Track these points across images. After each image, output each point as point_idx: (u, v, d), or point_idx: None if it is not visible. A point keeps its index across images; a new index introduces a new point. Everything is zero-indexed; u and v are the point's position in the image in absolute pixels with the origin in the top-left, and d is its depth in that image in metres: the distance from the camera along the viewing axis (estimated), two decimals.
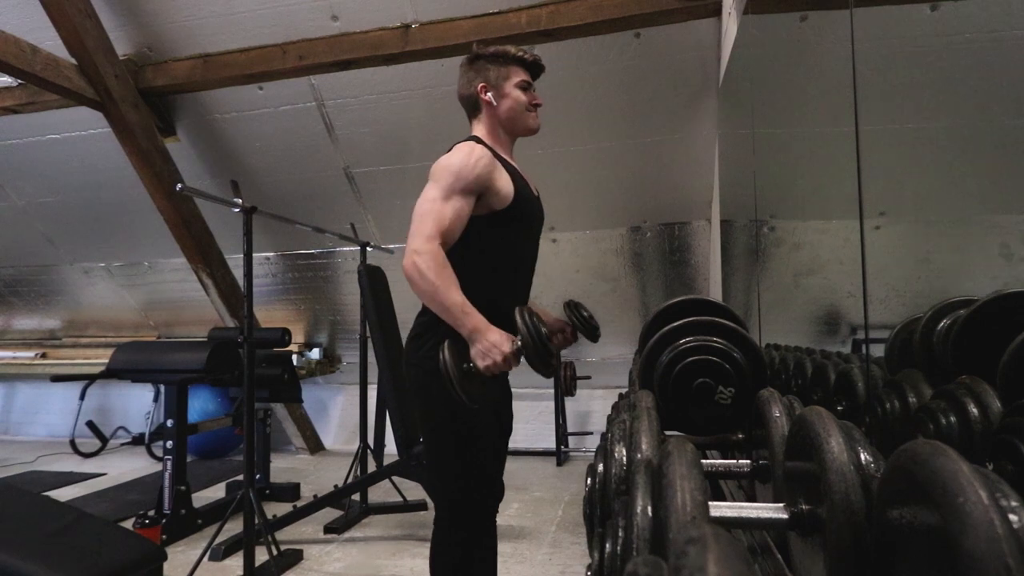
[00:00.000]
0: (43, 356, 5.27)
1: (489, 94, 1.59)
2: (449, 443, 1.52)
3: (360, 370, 3.48)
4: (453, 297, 1.35)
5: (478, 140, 1.56)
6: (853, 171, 1.23)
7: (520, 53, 1.61)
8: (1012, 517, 0.49)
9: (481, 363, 1.32)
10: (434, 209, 1.42)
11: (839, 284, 1.68)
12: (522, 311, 1.36)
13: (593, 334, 1.58)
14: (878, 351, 1.39)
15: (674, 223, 3.86)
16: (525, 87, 1.61)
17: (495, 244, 1.52)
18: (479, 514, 1.56)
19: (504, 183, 1.51)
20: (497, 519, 1.65)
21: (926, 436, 1.02)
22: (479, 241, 1.49)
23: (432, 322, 1.51)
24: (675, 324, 1.48)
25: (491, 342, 1.32)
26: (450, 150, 1.52)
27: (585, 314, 1.58)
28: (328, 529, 3.01)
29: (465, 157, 1.46)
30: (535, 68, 1.64)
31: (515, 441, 4.51)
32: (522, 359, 1.34)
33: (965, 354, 1.07)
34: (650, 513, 0.78)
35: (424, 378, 1.51)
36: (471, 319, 1.34)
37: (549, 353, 1.32)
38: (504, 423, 1.66)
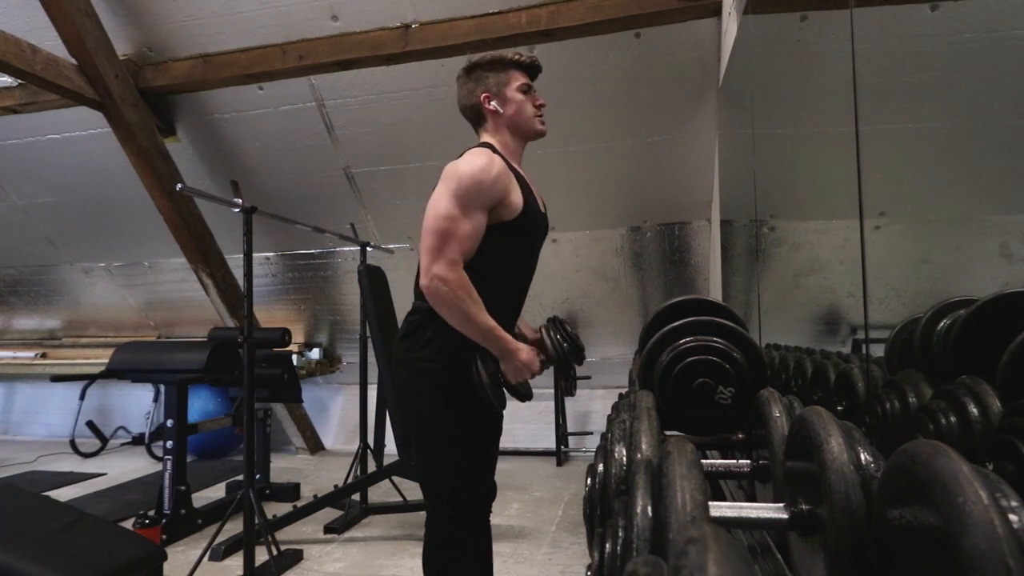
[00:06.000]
0: (43, 356, 5.27)
1: (493, 103, 1.57)
2: (441, 444, 1.51)
3: (360, 370, 3.48)
4: (486, 321, 1.42)
5: (492, 149, 1.53)
6: (853, 171, 1.23)
7: (516, 56, 1.60)
8: (1012, 517, 0.49)
9: (514, 379, 1.47)
10: (454, 229, 1.41)
11: (839, 284, 1.68)
12: (548, 329, 1.54)
13: (579, 355, 1.60)
14: (878, 351, 1.39)
15: (674, 223, 3.86)
16: (526, 90, 1.60)
17: (496, 255, 1.50)
18: (471, 515, 1.56)
19: (516, 196, 1.50)
20: (497, 519, 1.66)
21: (926, 436, 1.02)
22: (481, 251, 1.48)
23: (422, 322, 1.51)
24: (675, 324, 1.48)
25: (523, 362, 1.46)
26: (461, 155, 1.50)
27: (571, 332, 1.60)
28: (328, 529, 3.01)
29: (484, 168, 1.44)
30: (532, 69, 1.63)
31: (515, 441, 4.56)
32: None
33: (965, 354, 1.07)
34: (650, 513, 0.78)
35: (414, 379, 1.51)
36: (504, 342, 1.45)
37: (572, 367, 1.53)
38: (495, 423, 1.66)
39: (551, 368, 1.60)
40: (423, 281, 1.41)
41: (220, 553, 2.68)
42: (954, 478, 0.52)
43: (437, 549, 1.53)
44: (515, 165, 1.58)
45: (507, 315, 1.60)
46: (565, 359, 1.53)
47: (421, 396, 1.50)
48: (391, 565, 2.62)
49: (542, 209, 1.64)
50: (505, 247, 1.52)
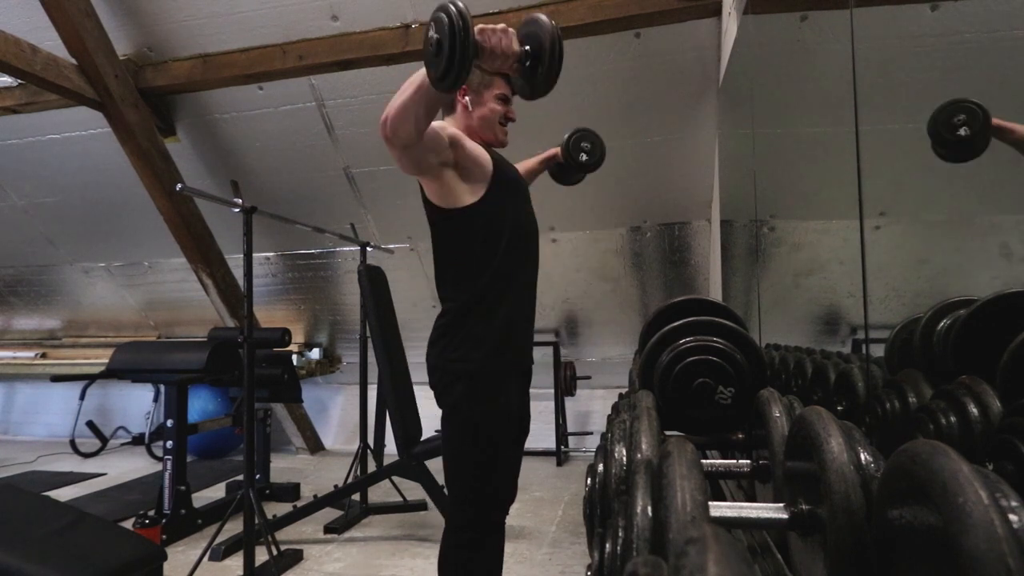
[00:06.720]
0: (43, 356, 5.27)
1: (467, 97, 1.60)
2: (469, 446, 1.53)
3: (360, 370, 3.48)
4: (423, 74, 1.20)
5: None
6: (853, 171, 1.23)
7: None
8: (1012, 517, 0.49)
9: (485, 34, 1.20)
10: None
11: (839, 284, 1.68)
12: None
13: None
14: (878, 351, 1.39)
15: (674, 223, 3.86)
16: (504, 99, 1.62)
17: (494, 220, 1.52)
18: (476, 517, 1.57)
19: (475, 148, 1.52)
20: None
21: (926, 436, 1.02)
22: (480, 226, 1.50)
23: (452, 323, 1.53)
24: (675, 324, 1.48)
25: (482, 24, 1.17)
26: None
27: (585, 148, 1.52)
28: (328, 529, 3.01)
29: (436, 124, 1.45)
30: None
31: None
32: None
33: (965, 354, 1.07)
34: (650, 513, 0.78)
35: (450, 380, 1.53)
36: None
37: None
38: (523, 427, 1.68)
39: None
40: (380, 121, 1.28)
41: (220, 553, 2.68)
42: (954, 478, 0.52)
43: (449, 549, 1.57)
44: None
45: (528, 274, 1.63)
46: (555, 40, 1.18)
47: (454, 397, 1.52)
48: (391, 565, 2.62)
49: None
50: (497, 210, 1.53)
